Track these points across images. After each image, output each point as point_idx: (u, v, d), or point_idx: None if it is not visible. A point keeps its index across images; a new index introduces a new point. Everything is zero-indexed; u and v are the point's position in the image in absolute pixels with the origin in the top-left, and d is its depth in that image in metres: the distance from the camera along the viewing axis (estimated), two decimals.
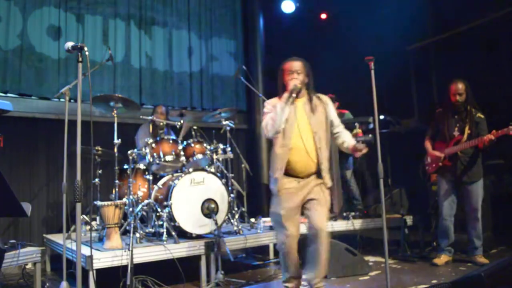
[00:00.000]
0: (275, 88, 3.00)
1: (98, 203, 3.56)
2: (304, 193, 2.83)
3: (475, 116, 4.03)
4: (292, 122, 2.82)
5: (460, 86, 4.04)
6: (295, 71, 2.85)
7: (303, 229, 4.53)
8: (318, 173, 2.85)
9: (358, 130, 5.09)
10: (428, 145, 4.29)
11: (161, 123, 4.54)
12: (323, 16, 7.42)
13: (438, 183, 4.21)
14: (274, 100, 2.89)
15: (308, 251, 2.85)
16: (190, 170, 4.02)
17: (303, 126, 2.84)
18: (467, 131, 4.00)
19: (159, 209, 3.90)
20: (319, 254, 2.78)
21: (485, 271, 2.15)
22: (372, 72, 2.82)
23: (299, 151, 2.81)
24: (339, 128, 3.01)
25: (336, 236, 4.60)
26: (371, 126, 5.15)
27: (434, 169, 4.24)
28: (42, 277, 3.46)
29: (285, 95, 2.79)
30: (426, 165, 4.35)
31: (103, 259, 3.16)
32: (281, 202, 2.83)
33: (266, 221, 4.47)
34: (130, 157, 4.17)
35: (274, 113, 2.77)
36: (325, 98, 3.00)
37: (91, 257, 3.05)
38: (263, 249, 4.61)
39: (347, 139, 2.97)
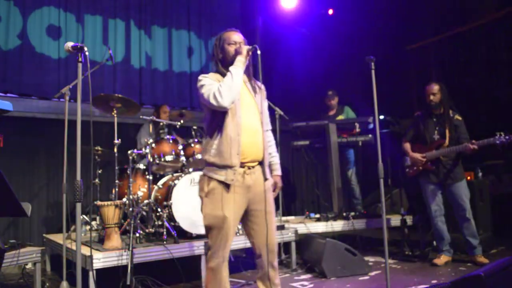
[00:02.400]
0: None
1: (98, 203, 3.56)
2: (250, 196, 2.36)
3: (453, 119, 4.06)
4: (239, 96, 2.36)
5: (435, 87, 4.11)
6: (239, 43, 2.45)
7: (302, 229, 4.56)
8: (262, 162, 2.41)
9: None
10: (407, 147, 4.29)
11: (161, 123, 4.54)
12: (330, 12, 7.37)
13: (422, 187, 4.21)
14: (212, 75, 2.44)
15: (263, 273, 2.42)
16: (190, 170, 4.02)
17: (249, 102, 2.43)
18: (448, 134, 4.03)
19: (159, 209, 3.90)
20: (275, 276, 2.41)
21: (485, 271, 2.14)
22: (373, 72, 2.82)
23: (249, 131, 2.35)
24: (267, 126, 2.56)
25: (336, 236, 4.61)
26: (371, 126, 5.15)
27: (415, 172, 4.23)
28: (42, 277, 3.46)
29: (240, 58, 2.35)
30: (406, 168, 4.34)
31: (103, 259, 3.16)
32: (229, 201, 2.29)
33: None
34: (130, 157, 4.17)
35: (228, 78, 2.29)
36: (262, 85, 2.59)
37: (91, 257, 3.05)
38: None
39: (274, 159, 2.55)
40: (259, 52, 2.36)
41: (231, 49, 2.41)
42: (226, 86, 2.25)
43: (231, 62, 2.36)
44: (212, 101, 2.25)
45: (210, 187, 2.31)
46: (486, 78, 5.79)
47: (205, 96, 2.29)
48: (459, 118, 4.07)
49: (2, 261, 2.56)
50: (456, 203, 4.02)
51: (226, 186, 2.29)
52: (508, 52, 5.58)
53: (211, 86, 2.31)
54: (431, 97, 4.10)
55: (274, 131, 2.93)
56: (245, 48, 2.38)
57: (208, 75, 2.43)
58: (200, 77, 2.40)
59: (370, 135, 5.05)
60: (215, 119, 2.36)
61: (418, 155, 4.15)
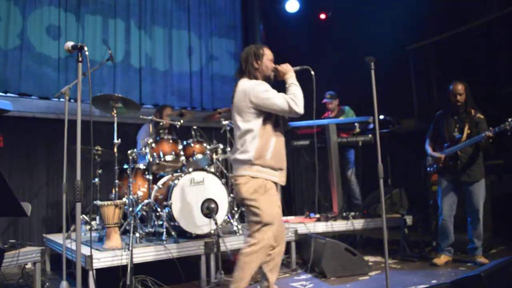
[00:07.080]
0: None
1: (98, 203, 3.56)
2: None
3: (474, 117, 4.03)
4: None
5: (460, 87, 4.07)
6: (271, 59, 2.84)
7: (302, 229, 4.56)
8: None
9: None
10: (428, 146, 4.29)
11: (160, 123, 4.54)
12: (322, 16, 7.42)
13: (439, 183, 4.20)
14: (262, 83, 2.74)
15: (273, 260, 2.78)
16: (190, 170, 4.02)
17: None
18: (466, 130, 4.01)
19: (159, 209, 3.90)
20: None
21: (485, 271, 2.15)
22: (372, 72, 2.82)
23: (283, 140, 2.76)
24: None
25: (336, 236, 4.61)
26: (371, 126, 5.14)
27: (435, 170, 4.25)
28: (42, 277, 3.46)
29: (293, 74, 2.74)
30: (427, 167, 4.36)
31: (103, 259, 3.16)
32: (278, 199, 2.68)
33: None
34: (130, 157, 4.17)
35: (299, 90, 2.64)
36: None
37: (90, 257, 3.05)
38: None
39: None
40: (313, 72, 2.77)
41: (271, 65, 2.76)
42: (300, 96, 2.60)
43: (266, 76, 2.74)
44: (292, 107, 2.55)
45: (268, 187, 2.60)
46: (486, 78, 5.79)
47: (278, 102, 2.57)
48: (481, 116, 4.03)
49: (2, 261, 2.57)
50: (470, 202, 4.00)
51: (276, 186, 2.63)
52: (508, 52, 5.58)
53: (278, 94, 2.60)
54: (458, 97, 4.04)
55: None
56: (288, 66, 2.76)
57: (261, 82, 2.68)
58: (260, 83, 2.67)
59: (370, 135, 5.05)
60: (266, 126, 2.62)
61: (437, 154, 4.15)
